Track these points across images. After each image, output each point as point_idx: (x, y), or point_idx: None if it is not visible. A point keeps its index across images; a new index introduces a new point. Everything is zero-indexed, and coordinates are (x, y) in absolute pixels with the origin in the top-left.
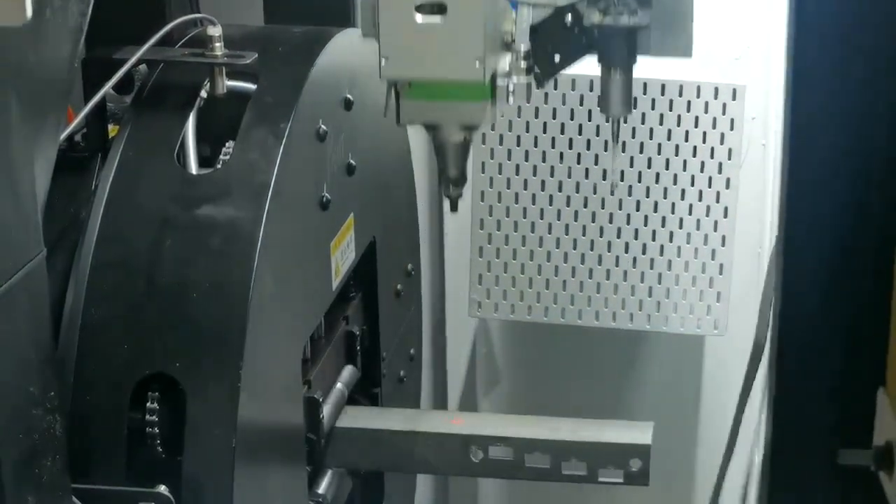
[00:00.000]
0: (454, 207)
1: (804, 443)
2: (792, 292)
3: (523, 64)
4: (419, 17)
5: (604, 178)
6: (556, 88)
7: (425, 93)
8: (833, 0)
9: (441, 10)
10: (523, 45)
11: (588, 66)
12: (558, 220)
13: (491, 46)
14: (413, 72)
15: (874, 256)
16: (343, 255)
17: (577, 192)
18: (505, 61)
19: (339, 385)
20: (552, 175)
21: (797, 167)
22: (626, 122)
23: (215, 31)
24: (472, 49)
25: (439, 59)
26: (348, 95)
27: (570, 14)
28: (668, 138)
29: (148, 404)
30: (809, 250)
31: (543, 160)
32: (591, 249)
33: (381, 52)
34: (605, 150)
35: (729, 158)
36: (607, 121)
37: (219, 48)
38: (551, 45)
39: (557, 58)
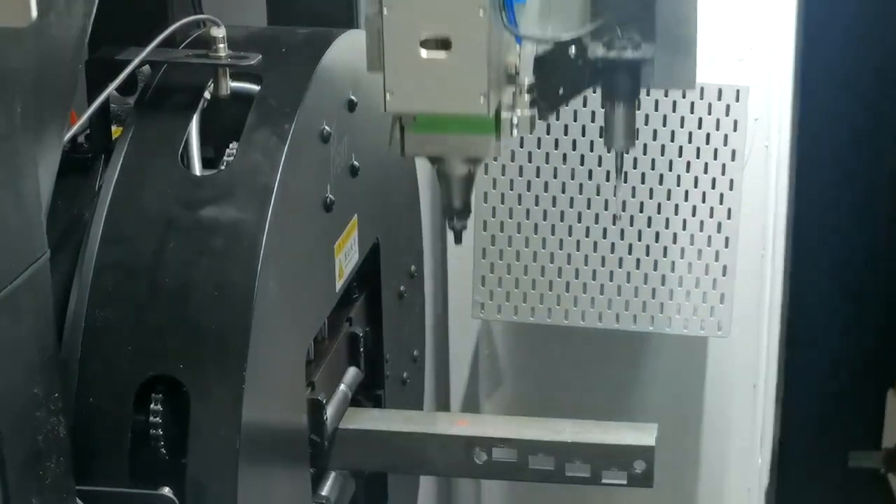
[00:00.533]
0: (458, 240)
1: (814, 445)
2: (801, 295)
3: (527, 97)
4: (424, 52)
5: (607, 180)
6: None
7: (430, 126)
8: (841, 2)
9: (446, 45)
10: (527, 79)
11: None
12: (561, 221)
13: (495, 81)
14: (418, 106)
15: (884, 259)
16: (346, 257)
17: (581, 193)
18: (509, 94)
19: (342, 387)
20: (555, 176)
21: (804, 168)
22: (628, 153)
23: (219, 32)
24: (476, 84)
25: (444, 94)
26: (352, 97)
27: (573, 46)
28: (672, 139)
29: (152, 406)
30: (819, 252)
31: (547, 161)
32: (595, 251)
33: (387, 86)
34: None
35: (732, 160)
36: (609, 152)
37: (222, 49)
38: (555, 77)
39: (561, 90)
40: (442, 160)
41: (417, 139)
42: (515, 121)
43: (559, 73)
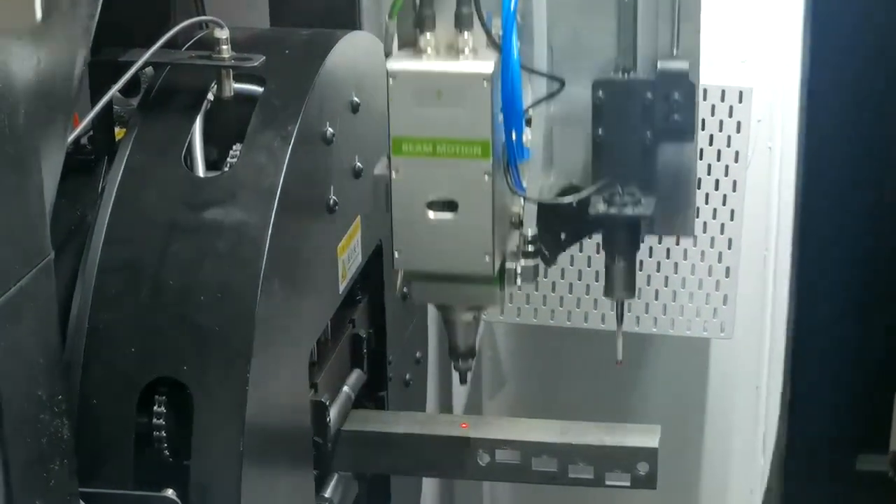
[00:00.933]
0: (463, 380)
1: (822, 448)
2: (809, 297)
3: (531, 248)
4: (431, 214)
5: None
6: None
7: (436, 276)
8: (849, 2)
9: (452, 207)
10: (531, 230)
11: None
12: None
13: (500, 239)
14: (425, 265)
15: (893, 261)
16: (350, 259)
17: None
18: (513, 243)
19: (345, 388)
20: None
21: (811, 172)
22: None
23: (222, 33)
24: (481, 245)
25: (450, 254)
26: (355, 98)
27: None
28: None
29: (155, 408)
30: (827, 254)
31: None
32: (598, 252)
33: (395, 245)
34: None
35: (735, 161)
36: (612, 307)
37: (226, 51)
38: (558, 224)
39: (564, 235)
40: (447, 307)
41: (423, 288)
42: (519, 270)
43: (562, 219)
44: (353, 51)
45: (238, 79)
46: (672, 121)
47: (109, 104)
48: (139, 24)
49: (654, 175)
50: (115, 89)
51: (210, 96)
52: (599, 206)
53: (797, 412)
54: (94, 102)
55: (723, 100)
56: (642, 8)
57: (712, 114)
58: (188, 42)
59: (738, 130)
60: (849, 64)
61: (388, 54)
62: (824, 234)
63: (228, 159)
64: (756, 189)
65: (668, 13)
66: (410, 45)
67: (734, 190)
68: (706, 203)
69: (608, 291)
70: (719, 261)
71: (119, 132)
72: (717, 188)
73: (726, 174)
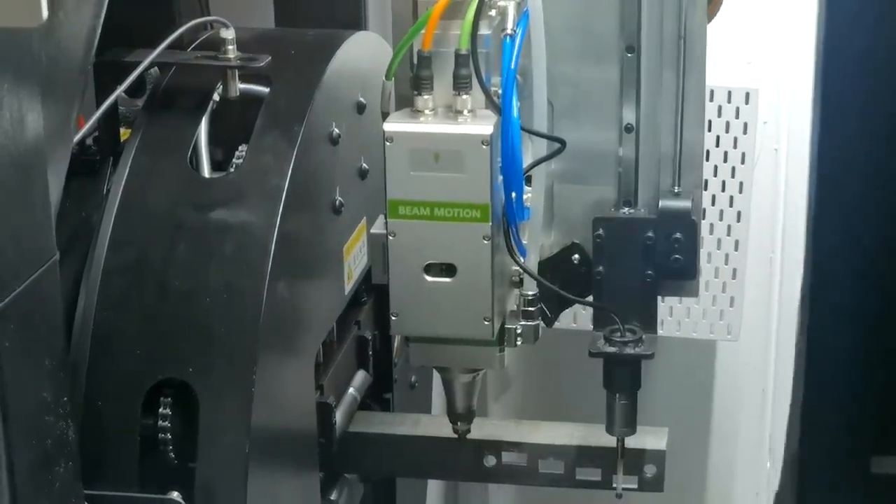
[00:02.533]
0: (463, 443)
1: (836, 450)
2: (820, 298)
3: (531, 308)
4: (428, 278)
5: None
6: None
7: (434, 338)
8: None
9: (450, 270)
10: (531, 291)
11: None
12: None
13: (499, 301)
14: (422, 329)
15: None
16: (356, 260)
17: None
18: (512, 302)
19: (351, 390)
20: None
21: (824, 174)
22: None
23: (228, 33)
24: (480, 309)
25: (448, 318)
26: (361, 99)
27: (577, 254)
28: None
29: (160, 410)
30: (838, 255)
31: None
32: None
33: (391, 309)
34: None
35: (742, 162)
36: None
37: (231, 51)
38: (559, 281)
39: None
40: (446, 368)
41: (422, 350)
42: (519, 330)
43: (563, 277)
44: (358, 51)
45: (244, 79)
46: (673, 259)
47: (115, 105)
48: (144, 25)
49: (656, 312)
50: (120, 90)
51: (216, 97)
52: (600, 343)
53: (811, 414)
54: (99, 103)
55: (729, 101)
56: (643, 145)
57: (719, 115)
58: (193, 42)
59: (745, 131)
60: (863, 64)
61: (385, 115)
62: (837, 235)
63: (234, 160)
64: (762, 191)
65: (671, 152)
66: (408, 104)
67: (741, 191)
68: (713, 205)
69: (608, 428)
70: (726, 262)
71: (124, 133)
72: (723, 189)
73: (733, 175)
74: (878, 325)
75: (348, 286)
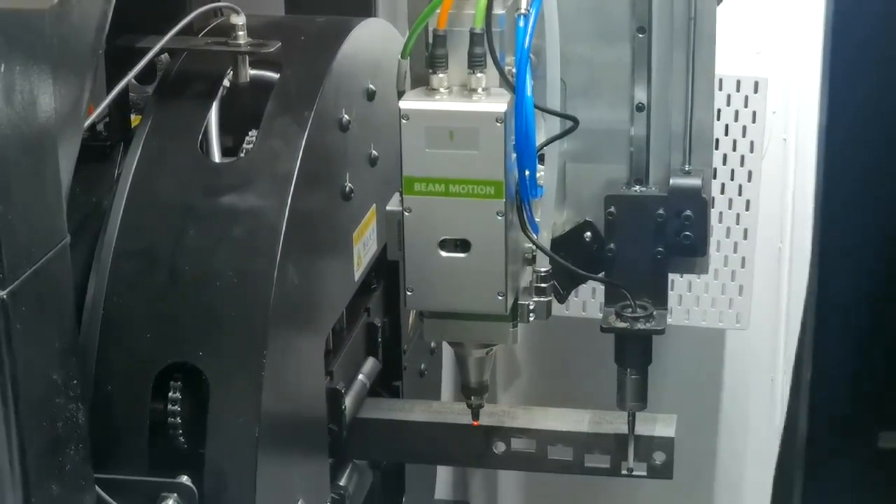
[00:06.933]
0: (476, 416)
1: (844, 425)
2: (828, 276)
3: (543, 284)
4: (443, 253)
5: None
6: None
7: (449, 313)
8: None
9: (464, 246)
10: (543, 268)
11: None
12: None
13: (513, 278)
14: (437, 304)
15: None
16: (365, 247)
17: None
18: (526, 278)
19: (360, 377)
20: None
21: (832, 163)
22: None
23: (239, 19)
24: (494, 284)
25: (462, 293)
26: (371, 86)
27: (589, 232)
28: None
29: (170, 394)
30: (846, 242)
31: None
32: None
33: (406, 283)
34: None
35: (751, 151)
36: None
37: (242, 37)
38: (571, 259)
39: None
40: (460, 343)
41: (436, 325)
42: (532, 306)
43: (575, 254)
44: (368, 38)
45: (254, 65)
46: (684, 236)
47: (125, 90)
48: (155, 11)
49: (666, 288)
50: (131, 75)
51: (226, 82)
52: (611, 319)
53: (819, 388)
54: (109, 89)
55: (738, 90)
56: (654, 124)
57: (728, 104)
58: (204, 29)
59: (754, 121)
60: (872, 54)
61: (400, 93)
62: (845, 223)
63: (244, 145)
64: (771, 181)
65: (681, 131)
66: (424, 83)
67: (749, 180)
68: (722, 193)
69: (619, 402)
70: (735, 251)
71: (135, 119)
72: (732, 178)
73: (742, 164)
74: (885, 310)
75: (358, 273)
